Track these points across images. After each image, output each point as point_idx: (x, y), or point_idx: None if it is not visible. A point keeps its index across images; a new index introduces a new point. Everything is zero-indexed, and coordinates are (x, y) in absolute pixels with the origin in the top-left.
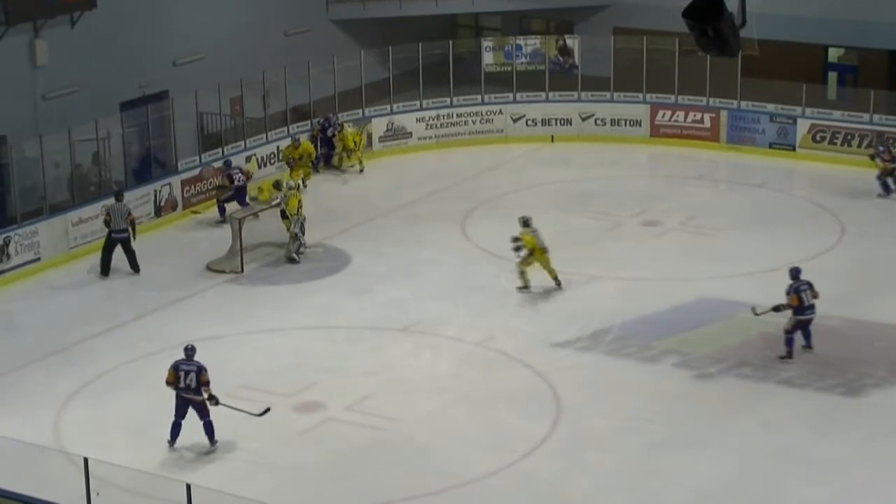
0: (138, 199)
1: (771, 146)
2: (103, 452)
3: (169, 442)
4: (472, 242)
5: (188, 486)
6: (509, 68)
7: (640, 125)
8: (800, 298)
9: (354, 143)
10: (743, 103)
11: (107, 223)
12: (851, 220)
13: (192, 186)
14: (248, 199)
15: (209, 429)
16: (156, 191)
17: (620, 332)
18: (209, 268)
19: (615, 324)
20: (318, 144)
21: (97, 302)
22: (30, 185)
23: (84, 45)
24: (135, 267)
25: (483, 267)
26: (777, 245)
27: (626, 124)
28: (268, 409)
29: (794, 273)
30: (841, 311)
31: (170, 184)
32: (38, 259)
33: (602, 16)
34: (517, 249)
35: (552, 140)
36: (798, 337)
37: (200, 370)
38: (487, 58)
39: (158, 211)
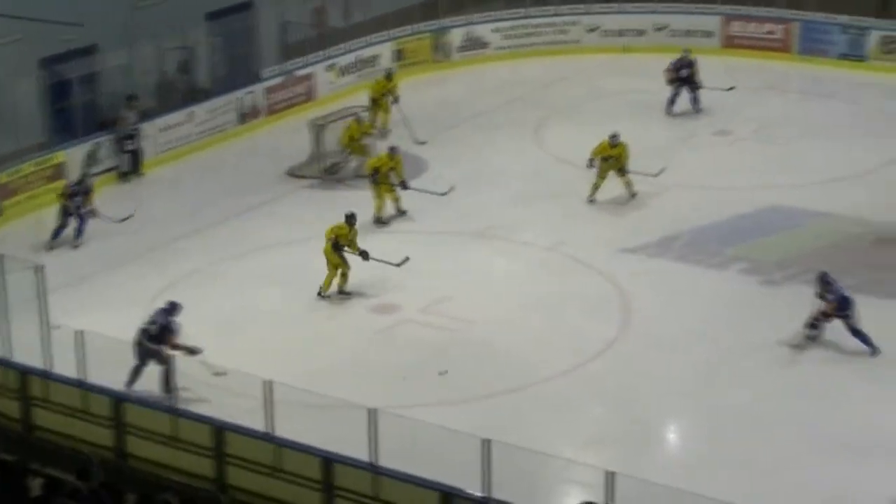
0: (223, 107)
1: (843, 57)
2: None
3: (127, 385)
4: (546, 150)
5: (267, 383)
6: None
7: (712, 36)
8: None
9: None
10: (815, 15)
11: None
12: None
13: (275, 94)
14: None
15: (166, 378)
16: (239, 99)
17: (690, 238)
18: (290, 173)
19: (685, 231)
20: (673, 86)
21: (182, 205)
22: (119, 92)
23: None
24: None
25: (557, 174)
26: (847, 154)
27: (699, 35)
28: (224, 373)
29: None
30: None
31: (253, 92)
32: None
33: None
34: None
35: (625, 51)
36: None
37: (166, 329)
38: None
39: (242, 118)
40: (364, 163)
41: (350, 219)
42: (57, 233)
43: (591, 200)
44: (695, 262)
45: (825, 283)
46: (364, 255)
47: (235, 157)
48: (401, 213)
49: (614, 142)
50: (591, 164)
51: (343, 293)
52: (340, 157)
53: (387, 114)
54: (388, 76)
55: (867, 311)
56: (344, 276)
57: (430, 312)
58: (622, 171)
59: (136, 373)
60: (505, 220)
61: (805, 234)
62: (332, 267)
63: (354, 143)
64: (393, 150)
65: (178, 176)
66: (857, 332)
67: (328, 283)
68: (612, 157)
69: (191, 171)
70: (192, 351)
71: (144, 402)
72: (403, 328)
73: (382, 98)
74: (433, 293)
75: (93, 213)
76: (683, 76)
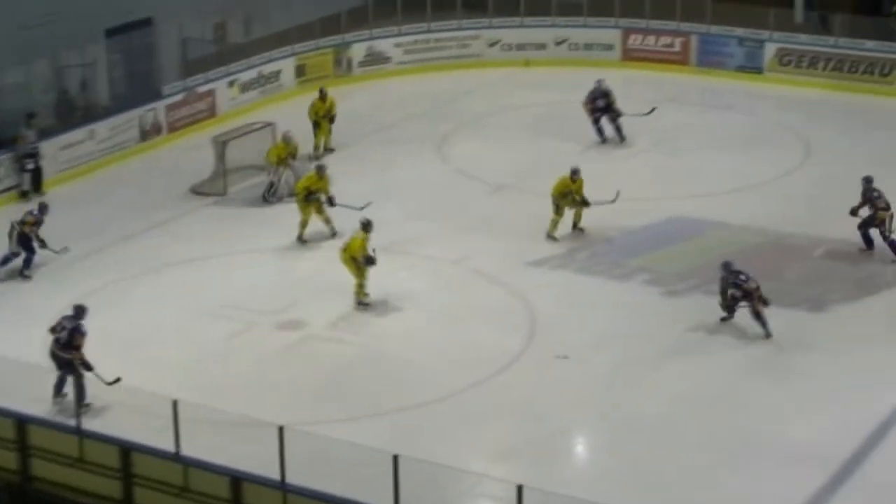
0: (124, 124)
1: (740, 69)
2: None
3: (53, 396)
4: (450, 164)
5: (174, 402)
6: None
7: (612, 49)
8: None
9: None
10: (712, 28)
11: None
12: (816, 141)
13: (176, 111)
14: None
15: (80, 390)
16: (140, 116)
17: (594, 250)
18: (193, 191)
19: (588, 243)
20: (593, 117)
21: (84, 224)
22: (18, 110)
23: None
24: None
25: (461, 188)
26: (745, 165)
27: (598, 49)
28: (118, 379)
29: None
30: (806, 229)
31: (154, 109)
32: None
33: None
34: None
35: (527, 65)
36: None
37: (75, 331)
38: None
39: (144, 136)
40: (286, 178)
41: (368, 226)
42: (5, 260)
43: (552, 238)
44: (599, 274)
45: (733, 271)
46: (370, 260)
47: (137, 174)
48: (333, 234)
49: (575, 177)
50: (556, 206)
51: (362, 304)
52: (273, 176)
53: (328, 135)
54: (322, 97)
55: (773, 319)
56: (361, 286)
57: (337, 328)
58: (583, 202)
59: (60, 383)
60: (410, 235)
61: (706, 244)
62: (359, 275)
63: (282, 162)
64: (320, 170)
65: (79, 194)
66: (758, 314)
67: (363, 289)
68: (570, 192)
69: (92, 190)
70: (87, 366)
71: (49, 424)
72: (310, 344)
73: (322, 119)
74: (339, 309)
75: (43, 244)
76: (601, 106)
